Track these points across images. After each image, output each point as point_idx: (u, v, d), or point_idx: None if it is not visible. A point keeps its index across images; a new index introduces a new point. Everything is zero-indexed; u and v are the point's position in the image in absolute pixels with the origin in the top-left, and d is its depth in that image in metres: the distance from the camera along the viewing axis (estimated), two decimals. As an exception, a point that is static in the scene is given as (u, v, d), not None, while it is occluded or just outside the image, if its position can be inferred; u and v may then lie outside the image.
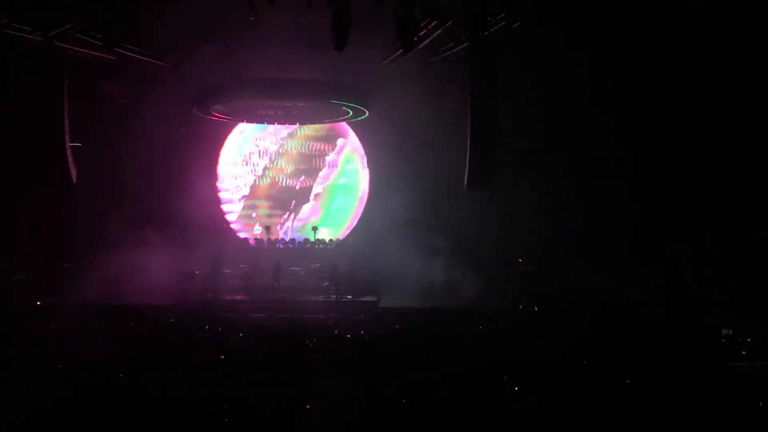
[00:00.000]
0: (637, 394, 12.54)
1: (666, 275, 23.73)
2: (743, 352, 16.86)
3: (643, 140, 24.29)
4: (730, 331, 19.04)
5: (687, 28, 20.11)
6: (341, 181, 32.43)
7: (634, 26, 20.56)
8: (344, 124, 31.61)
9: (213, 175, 31.35)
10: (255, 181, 31.89)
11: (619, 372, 13.60)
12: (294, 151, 32.11)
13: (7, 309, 22.41)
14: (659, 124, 23.84)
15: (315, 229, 30.51)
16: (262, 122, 30.82)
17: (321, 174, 32.17)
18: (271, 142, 31.97)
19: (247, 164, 31.88)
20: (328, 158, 32.25)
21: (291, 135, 32.04)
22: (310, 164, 32.19)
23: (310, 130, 32.07)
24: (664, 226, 24.50)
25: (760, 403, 12.25)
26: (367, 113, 28.44)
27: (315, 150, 32.27)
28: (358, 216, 32.24)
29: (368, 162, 32.00)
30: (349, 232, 32.07)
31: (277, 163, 31.98)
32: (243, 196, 31.88)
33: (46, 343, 16.19)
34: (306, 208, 32.09)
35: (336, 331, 18.91)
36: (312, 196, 32.11)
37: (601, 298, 23.32)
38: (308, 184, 32.08)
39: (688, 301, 22.15)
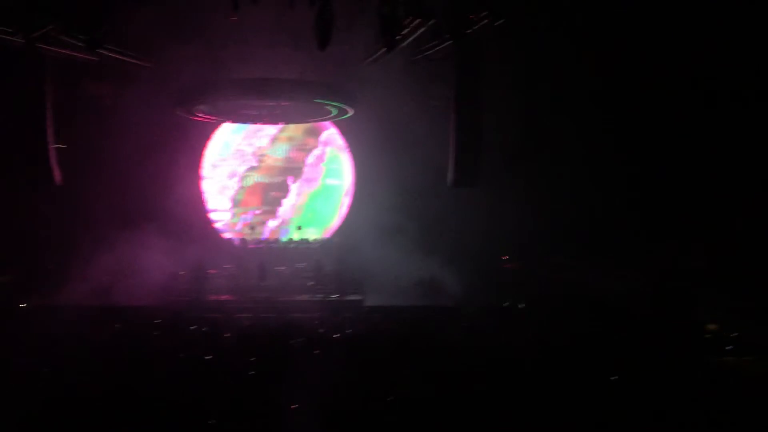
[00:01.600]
0: (622, 391, 12.58)
1: (651, 270, 23.79)
2: (728, 348, 16.94)
3: (631, 137, 24.33)
4: (715, 327, 19.12)
5: (675, 21, 20.16)
6: (326, 179, 32.40)
7: (622, 20, 20.61)
8: (329, 123, 31.59)
9: (197, 175, 31.34)
10: (239, 180, 31.85)
11: (604, 368, 13.63)
12: (278, 150, 32.09)
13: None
14: (647, 121, 23.88)
15: (300, 228, 30.49)
16: (245, 122, 30.74)
17: (305, 172, 32.14)
18: (256, 141, 31.95)
19: (231, 163, 31.85)
20: (312, 157, 32.24)
21: (275, 134, 32.01)
22: (295, 163, 32.15)
23: (294, 128, 32.03)
24: (651, 223, 24.56)
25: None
26: (351, 112, 28.45)
27: (299, 148, 32.23)
28: (343, 215, 32.25)
29: (353, 160, 32.01)
30: (334, 230, 32.08)
31: (261, 162, 31.94)
32: (227, 196, 31.86)
33: (30, 346, 16.13)
34: (290, 207, 32.07)
35: (322, 330, 18.92)
36: (296, 195, 32.09)
37: (587, 295, 23.36)
38: (293, 182, 32.05)
39: (673, 296, 22.20)
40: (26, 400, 11.46)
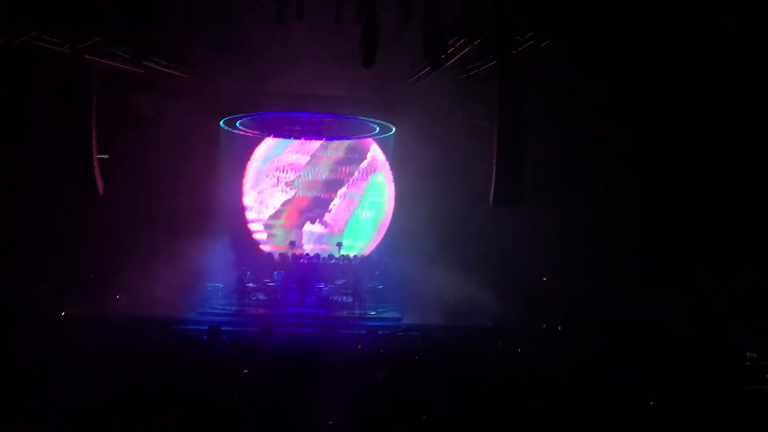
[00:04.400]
0: (660, 417, 12.47)
1: (690, 296, 23.60)
2: (768, 376, 16.76)
3: (671, 160, 24.16)
4: (755, 354, 18.91)
5: (718, 50, 20.00)
6: (367, 196, 32.45)
7: (665, 48, 20.47)
8: (371, 140, 31.66)
9: (239, 189, 31.47)
10: (281, 194, 31.96)
11: (641, 393, 13.53)
12: (320, 165, 32.17)
13: (31, 319, 22.47)
14: (686, 145, 23.72)
15: (339, 244, 30.49)
16: (288, 137, 30.91)
17: (347, 189, 32.20)
18: (298, 156, 32.04)
19: (273, 178, 31.97)
20: (354, 173, 32.29)
21: (318, 149, 32.08)
22: (337, 179, 32.24)
23: (337, 144, 32.10)
24: (690, 246, 24.37)
25: None
26: (394, 130, 28.49)
27: (341, 165, 32.30)
28: (383, 232, 32.24)
29: (394, 178, 31.98)
30: (373, 248, 32.08)
31: (303, 177, 32.04)
32: (269, 210, 31.99)
33: (68, 354, 16.22)
34: (331, 223, 32.11)
35: (359, 347, 18.91)
36: (337, 211, 32.15)
37: (626, 317, 23.17)
38: (334, 198, 32.11)
39: (713, 322, 22.01)
40: (63, 408, 11.51)
